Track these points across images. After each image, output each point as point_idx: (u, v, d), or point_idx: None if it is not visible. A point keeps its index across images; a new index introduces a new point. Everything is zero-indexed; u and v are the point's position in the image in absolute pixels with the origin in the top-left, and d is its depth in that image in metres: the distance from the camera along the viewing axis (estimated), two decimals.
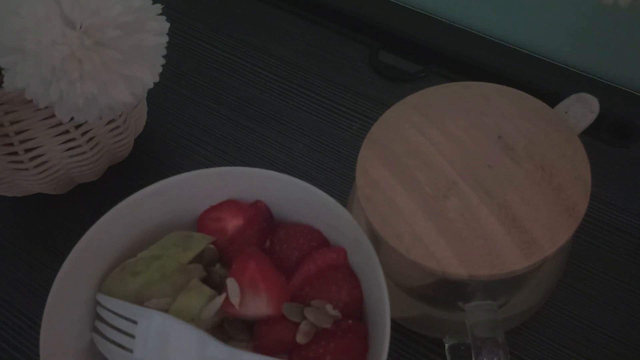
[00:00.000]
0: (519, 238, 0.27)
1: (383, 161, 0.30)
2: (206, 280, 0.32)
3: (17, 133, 0.36)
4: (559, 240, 0.27)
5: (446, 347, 0.34)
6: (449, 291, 0.31)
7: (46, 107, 0.31)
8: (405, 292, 0.33)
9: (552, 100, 0.32)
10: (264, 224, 0.34)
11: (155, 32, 0.32)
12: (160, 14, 0.32)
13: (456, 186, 0.28)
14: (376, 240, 0.30)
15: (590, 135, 0.45)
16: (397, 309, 0.32)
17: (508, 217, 0.27)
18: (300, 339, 0.29)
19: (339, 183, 0.44)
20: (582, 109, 0.31)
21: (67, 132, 0.38)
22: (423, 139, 0.30)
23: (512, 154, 0.29)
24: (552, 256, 0.27)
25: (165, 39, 0.33)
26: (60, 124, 0.37)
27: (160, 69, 0.33)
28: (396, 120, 0.31)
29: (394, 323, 0.37)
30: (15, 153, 0.37)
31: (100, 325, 0.31)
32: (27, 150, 0.37)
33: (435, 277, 0.28)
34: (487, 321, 0.28)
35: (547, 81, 0.49)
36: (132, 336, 0.30)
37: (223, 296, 0.30)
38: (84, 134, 0.38)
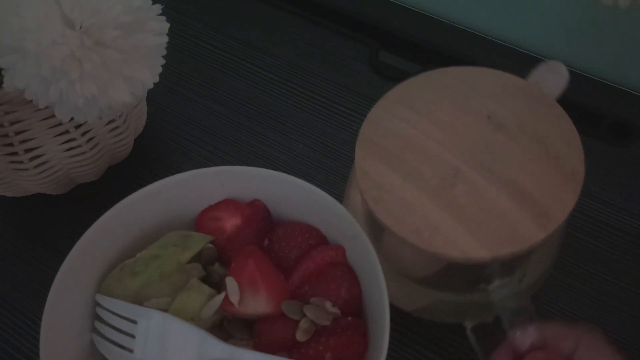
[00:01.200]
0: (531, 211, 0.27)
1: (381, 160, 0.29)
2: (205, 280, 0.32)
3: (17, 133, 0.36)
4: (568, 206, 0.27)
5: (468, 330, 0.33)
6: (468, 274, 0.31)
7: (46, 107, 0.31)
8: (418, 283, 0.33)
9: None
10: (262, 223, 0.34)
11: (155, 32, 0.32)
12: (160, 14, 0.32)
13: (461, 172, 0.28)
14: (377, 237, 0.30)
15: (590, 135, 0.45)
16: (411, 301, 0.33)
17: (517, 192, 0.27)
18: (300, 336, 0.29)
19: (339, 183, 0.44)
20: (553, 76, 0.31)
21: (67, 132, 0.38)
22: (416, 131, 0.30)
23: (505, 131, 0.29)
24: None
25: (165, 39, 0.33)
26: (60, 124, 0.37)
27: (160, 69, 0.33)
28: (383, 118, 0.31)
29: (401, 319, 0.37)
30: (15, 153, 0.37)
31: (100, 326, 0.31)
32: (27, 150, 0.37)
33: (455, 262, 0.28)
34: (513, 294, 0.29)
35: None
36: (132, 336, 0.30)
37: (222, 295, 0.30)
38: (84, 134, 0.38)
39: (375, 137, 0.30)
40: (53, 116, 0.36)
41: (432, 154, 0.29)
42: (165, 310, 0.30)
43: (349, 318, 0.30)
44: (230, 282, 0.30)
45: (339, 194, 0.40)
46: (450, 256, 0.27)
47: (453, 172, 0.28)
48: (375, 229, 0.32)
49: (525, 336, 0.27)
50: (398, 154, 0.29)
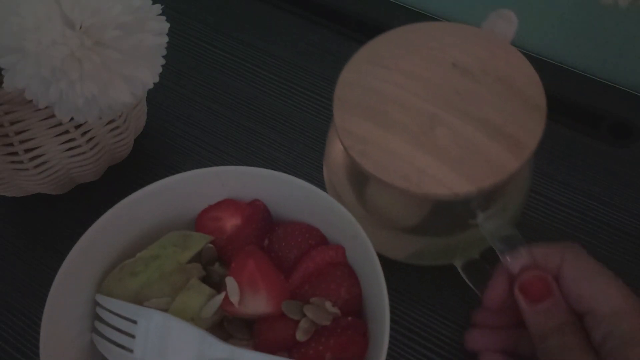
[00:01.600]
0: (506, 143, 0.29)
1: (360, 116, 0.31)
2: (205, 280, 0.32)
3: (17, 133, 0.36)
4: (538, 134, 0.29)
5: (459, 269, 0.35)
6: (454, 213, 0.33)
7: (46, 107, 0.31)
8: (406, 232, 0.34)
9: (554, 102, 0.32)
10: (262, 223, 0.34)
11: (155, 32, 0.32)
12: (160, 14, 0.32)
13: (437, 117, 0.30)
14: (362, 193, 0.32)
15: (590, 136, 0.46)
16: (400, 250, 0.35)
17: (490, 128, 0.30)
18: (300, 336, 0.29)
19: None
20: (504, 23, 0.33)
21: (67, 132, 0.38)
22: (388, 85, 0.31)
23: (471, 75, 0.31)
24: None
25: (165, 39, 0.33)
26: (60, 124, 0.37)
27: (160, 69, 0.33)
28: (356, 78, 0.32)
29: (401, 319, 0.37)
30: (16, 153, 0.37)
31: (100, 326, 0.31)
32: (27, 150, 0.37)
33: (443, 202, 0.30)
34: (500, 225, 0.30)
35: (546, 82, 0.49)
36: (132, 336, 0.30)
37: (222, 295, 0.30)
38: (84, 134, 0.38)
39: (350, 97, 0.32)
40: (53, 116, 0.36)
41: (408, 103, 0.31)
42: (165, 310, 0.30)
43: (349, 318, 0.30)
44: (230, 282, 0.30)
45: None
46: (439, 195, 0.28)
47: (430, 117, 0.30)
48: (359, 185, 0.34)
49: (516, 260, 0.29)
50: (375, 108, 0.31)
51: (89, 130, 0.39)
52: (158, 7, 0.32)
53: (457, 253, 0.35)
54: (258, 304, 0.30)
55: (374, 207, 0.34)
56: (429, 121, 0.30)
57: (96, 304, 0.32)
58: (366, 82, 0.32)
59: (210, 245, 0.33)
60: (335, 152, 0.35)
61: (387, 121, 0.30)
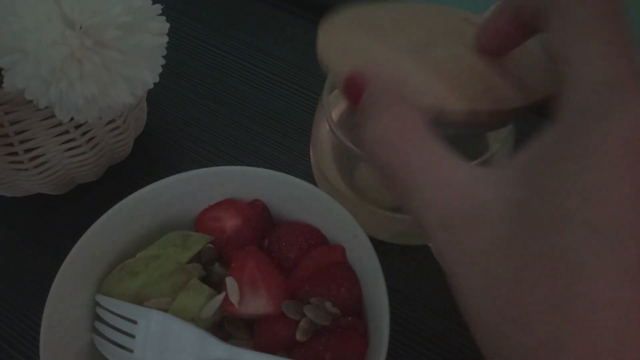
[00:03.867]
0: (511, 80, 0.24)
1: (348, 30, 0.26)
2: (205, 280, 0.32)
3: (17, 133, 0.36)
4: (548, 88, 0.24)
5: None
6: None
7: (46, 107, 0.31)
8: (389, 211, 0.34)
9: None
10: (262, 223, 0.34)
11: (155, 32, 0.32)
12: (160, 14, 0.32)
13: (435, 42, 0.25)
14: (350, 173, 0.33)
15: None
16: (384, 230, 0.35)
17: (497, 62, 0.24)
18: (299, 336, 0.29)
19: None
20: None
21: (67, 132, 0.38)
22: (387, 20, 0.27)
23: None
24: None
25: (165, 39, 0.33)
26: (60, 124, 0.37)
27: (160, 69, 0.33)
28: (352, 12, 0.27)
29: (400, 318, 0.37)
30: (15, 153, 0.37)
31: (100, 326, 0.31)
32: (27, 151, 0.37)
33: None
34: None
35: None
36: (132, 336, 0.30)
37: (222, 295, 0.30)
38: (84, 134, 0.38)
39: (340, 21, 0.26)
40: (53, 116, 0.36)
41: (404, 30, 0.26)
42: (165, 310, 0.30)
43: (349, 318, 0.30)
44: (230, 282, 0.30)
45: None
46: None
47: (427, 41, 0.25)
48: (345, 165, 0.34)
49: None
50: (367, 26, 0.26)
51: (89, 130, 0.39)
52: (158, 7, 0.32)
53: None
54: (258, 304, 0.30)
55: (359, 186, 0.34)
56: (425, 43, 0.25)
57: (96, 304, 0.32)
58: (362, 14, 0.27)
59: (210, 245, 0.33)
60: (322, 133, 0.34)
61: (378, 33, 0.25)
